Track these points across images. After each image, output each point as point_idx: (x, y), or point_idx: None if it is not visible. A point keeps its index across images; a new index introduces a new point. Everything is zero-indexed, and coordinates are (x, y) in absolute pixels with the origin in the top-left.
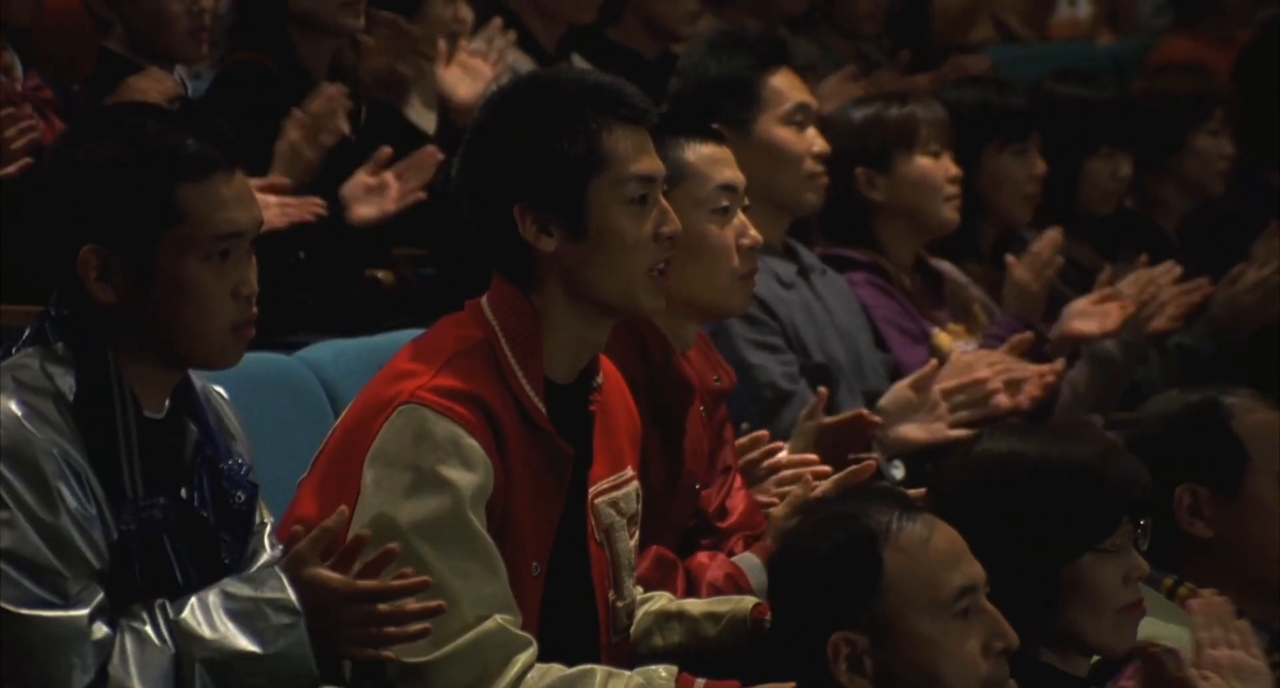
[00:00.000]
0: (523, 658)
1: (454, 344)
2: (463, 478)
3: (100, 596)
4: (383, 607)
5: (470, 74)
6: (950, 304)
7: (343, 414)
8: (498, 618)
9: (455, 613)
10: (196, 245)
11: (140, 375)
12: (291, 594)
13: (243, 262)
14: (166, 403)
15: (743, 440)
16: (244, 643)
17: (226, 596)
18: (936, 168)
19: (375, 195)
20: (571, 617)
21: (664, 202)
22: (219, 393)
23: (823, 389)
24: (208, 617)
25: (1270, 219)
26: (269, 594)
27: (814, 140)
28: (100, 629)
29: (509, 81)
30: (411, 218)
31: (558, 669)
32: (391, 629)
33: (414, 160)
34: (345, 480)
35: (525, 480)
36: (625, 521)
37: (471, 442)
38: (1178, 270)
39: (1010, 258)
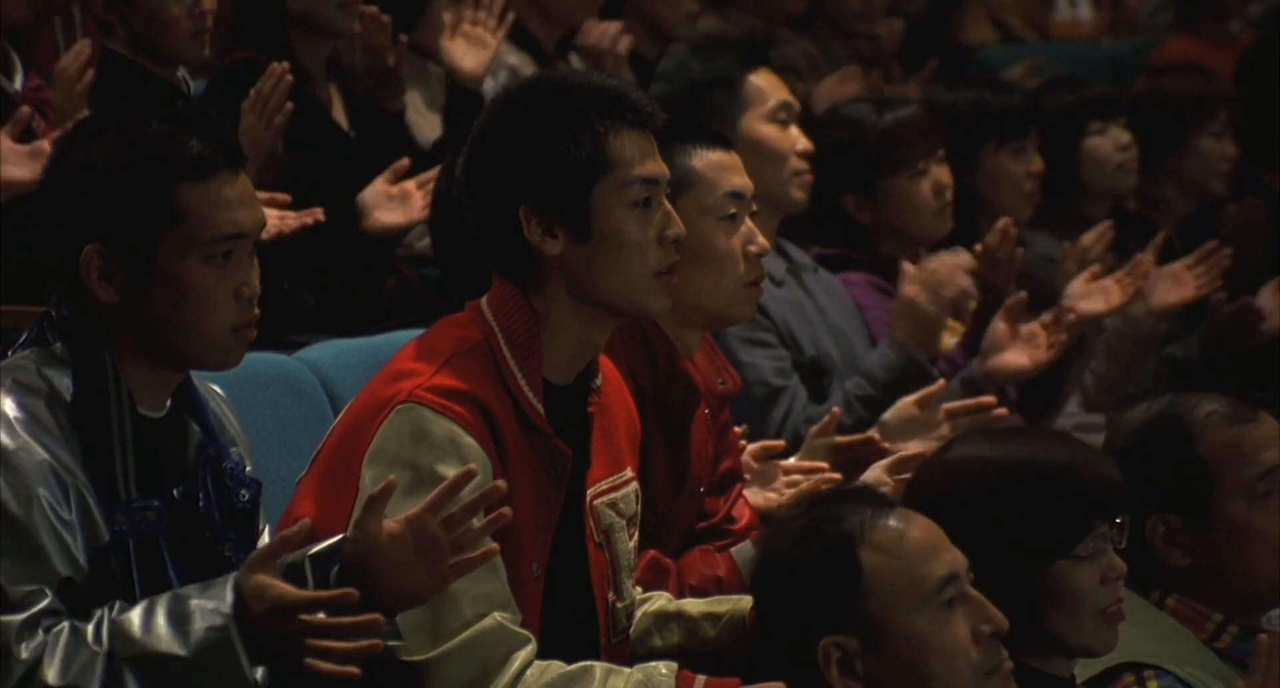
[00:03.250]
0: (522, 655)
1: (453, 345)
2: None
3: (46, 602)
4: (314, 619)
5: (475, 44)
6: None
7: (341, 414)
8: (496, 615)
9: (455, 610)
10: (198, 246)
11: (140, 376)
12: (228, 599)
13: (245, 262)
14: (168, 403)
15: (754, 447)
16: (169, 645)
17: (175, 598)
18: (921, 188)
19: (398, 203)
20: (571, 618)
21: (668, 205)
22: (218, 393)
23: (836, 409)
24: (148, 618)
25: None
26: (208, 600)
27: (798, 138)
28: (34, 636)
29: (514, 84)
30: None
31: (557, 666)
32: (328, 643)
33: (436, 172)
34: (344, 479)
35: (523, 481)
36: (624, 522)
37: (470, 441)
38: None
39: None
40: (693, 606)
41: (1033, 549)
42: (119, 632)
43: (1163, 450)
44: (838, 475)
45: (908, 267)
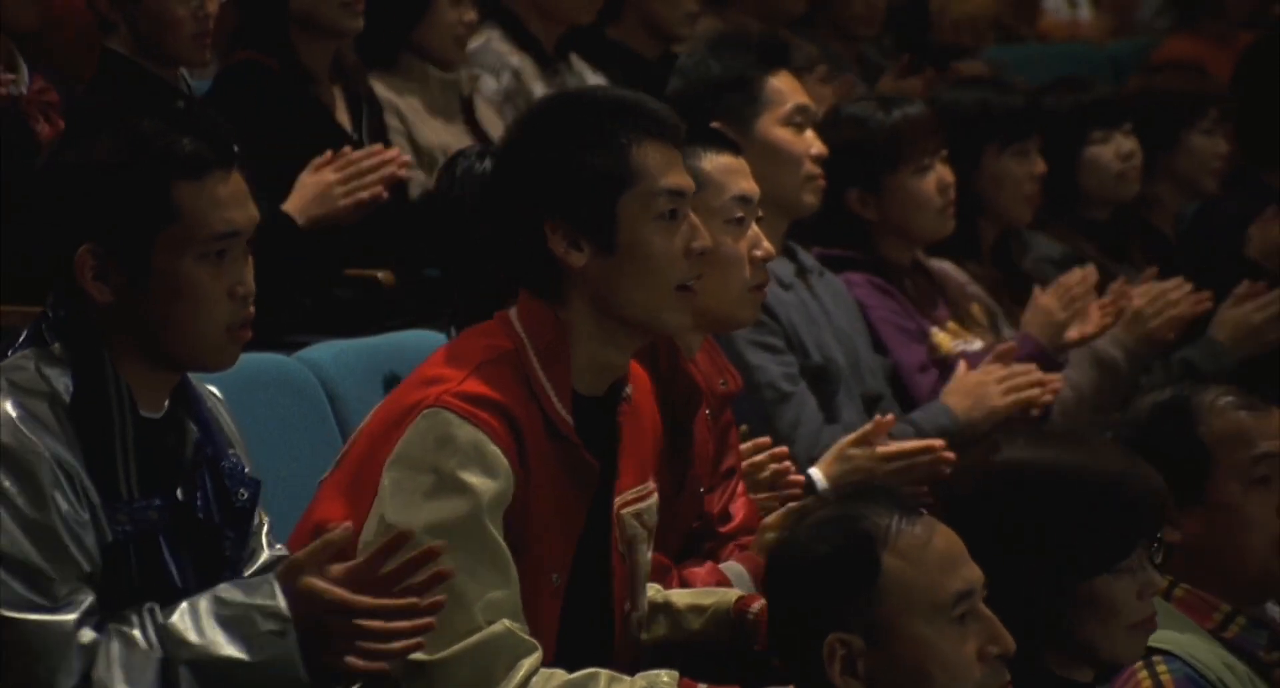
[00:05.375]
0: (528, 662)
1: (482, 353)
2: (483, 484)
3: (89, 600)
4: (374, 623)
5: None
6: (948, 304)
7: (368, 417)
8: (505, 622)
9: (465, 615)
10: (192, 245)
11: (138, 376)
12: (282, 602)
13: (239, 261)
14: (165, 403)
15: (746, 446)
16: (231, 650)
17: (218, 601)
18: (926, 184)
19: (324, 197)
20: (588, 626)
21: (694, 217)
22: (214, 393)
23: (881, 416)
24: (196, 622)
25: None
26: (260, 601)
27: (812, 142)
28: (87, 634)
29: (538, 100)
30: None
31: (561, 675)
32: (382, 645)
33: (353, 159)
34: (368, 482)
35: (548, 491)
36: (646, 534)
37: (494, 449)
38: (1187, 287)
39: (1038, 289)
40: (679, 597)
41: (1077, 562)
42: (171, 636)
43: (1166, 430)
44: (800, 478)
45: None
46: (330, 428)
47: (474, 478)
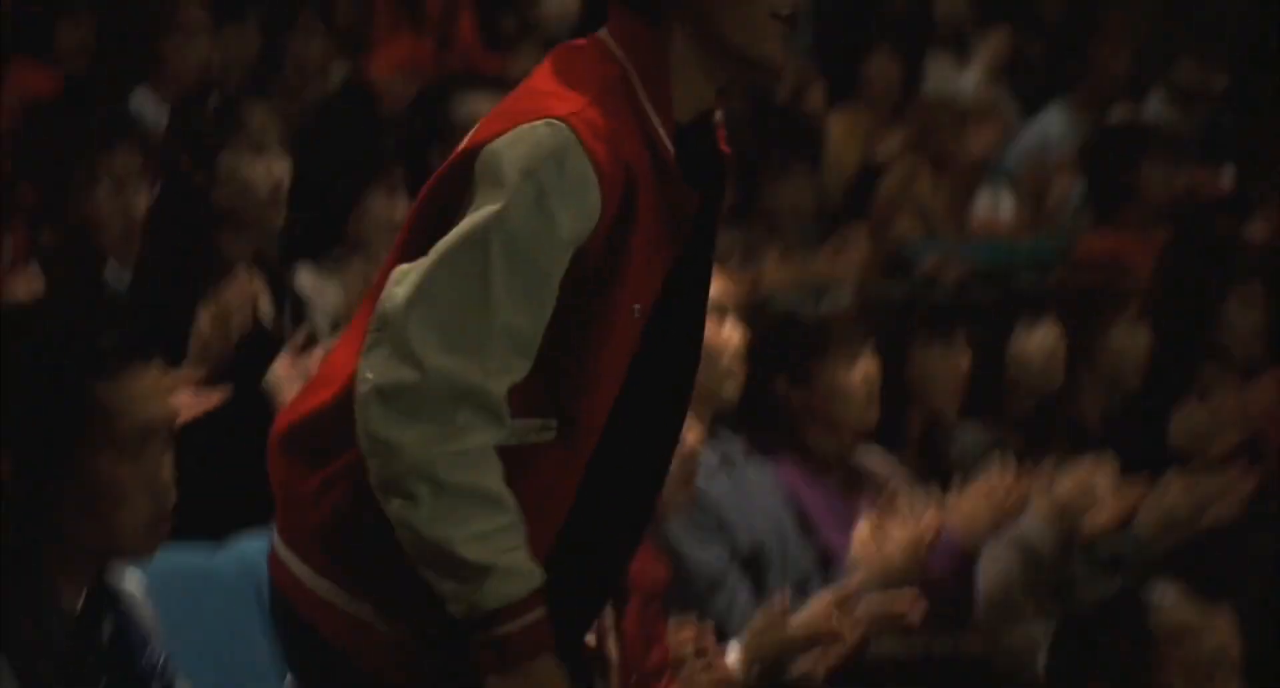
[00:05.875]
0: (480, 436)
1: (599, 81)
2: (567, 221)
3: None
4: None
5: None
6: (874, 495)
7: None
8: (500, 391)
9: (484, 319)
10: (111, 442)
11: (57, 572)
12: None
13: (158, 454)
14: (82, 598)
15: (686, 637)
16: None
17: None
18: (851, 377)
19: (303, 381)
20: (669, 364)
21: None
22: (133, 588)
23: (783, 597)
24: None
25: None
26: None
27: (730, 335)
28: None
29: None
30: None
31: (493, 471)
32: None
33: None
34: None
35: (645, 226)
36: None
37: (596, 193)
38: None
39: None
40: None
41: None
42: None
43: (1114, 622)
44: None
45: None
46: (263, 620)
47: (562, 211)
